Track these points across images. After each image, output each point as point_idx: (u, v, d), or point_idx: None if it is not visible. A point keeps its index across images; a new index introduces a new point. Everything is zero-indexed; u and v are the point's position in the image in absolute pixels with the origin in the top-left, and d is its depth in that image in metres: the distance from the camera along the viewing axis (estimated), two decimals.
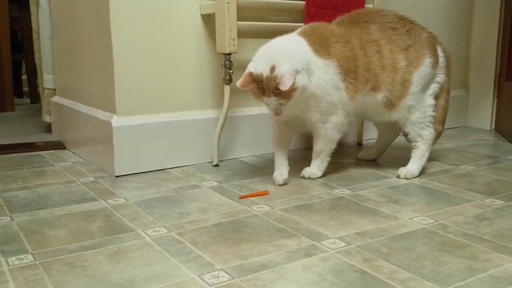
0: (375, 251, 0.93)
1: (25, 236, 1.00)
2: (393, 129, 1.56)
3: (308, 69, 1.23)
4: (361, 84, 1.32)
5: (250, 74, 1.21)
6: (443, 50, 1.45)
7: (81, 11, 1.64)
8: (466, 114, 2.32)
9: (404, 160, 1.47)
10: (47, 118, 2.10)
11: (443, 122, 1.52)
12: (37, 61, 2.14)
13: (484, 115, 2.26)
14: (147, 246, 0.95)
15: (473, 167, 1.53)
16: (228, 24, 1.41)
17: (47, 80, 2.06)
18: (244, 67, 1.25)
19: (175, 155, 1.54)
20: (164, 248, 0.94)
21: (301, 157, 1.65)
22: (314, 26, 1.34)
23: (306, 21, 1.55)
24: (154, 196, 1.26)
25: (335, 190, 1.31)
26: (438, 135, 1.50)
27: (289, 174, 1.37)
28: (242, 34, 1.47)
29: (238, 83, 1.23)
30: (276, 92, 1.19)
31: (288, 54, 1.22)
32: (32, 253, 0.92)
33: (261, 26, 1.51)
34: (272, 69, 1.19)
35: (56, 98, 2.01)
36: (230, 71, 1.49)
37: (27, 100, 3.30)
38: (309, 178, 1.41)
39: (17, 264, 0.88)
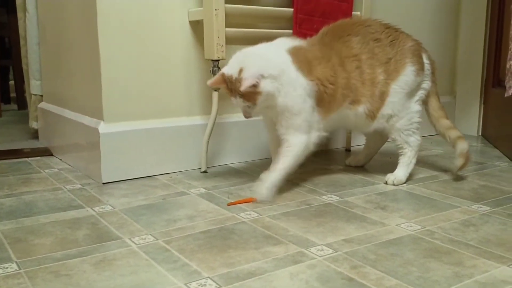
0: (362, 258, 0.93)
1: (10, 245, 0.99)
2: (381, 135, 1.57)
3: (279, 78, 1.23)
4: (337, 104, 1.33)
5: (222, 74, 1.25)
6: (429, 57, 1.47)
7: (69, 17, 1.64)
8: (453, 121, 2.32)
9: (392, 166, 1.47)
10: (34, 125, 2.09)
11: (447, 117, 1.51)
12: (24, 67, 2.12)
13: (471, 121, 2.28)
14: (134, 254, 0.94)
15: (460, 173, 1.54)
16: (217, 31, 1.42)
17: (34, 86, 2.04)
18: None
19: (163, 161, 1.54)
20: (150, 256, 0.94)
21: None
22: (299, 47, 1.32)
23: (294, 28, 1.56)
24: (142, 203, 1.26)
25: (323, 197, 1.31)
26: (460, 137, 1.46)
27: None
28: (230, 40, 1.47)
29: (209, 82, 1.27)
30: (241, 93, 1.21)
31: (259, 60, 1.24)
32: (16, 262, 0.91)
33: (250, 32, 1.51)
34: (240, 71, 1.21)
35: (43, 104, 1.99)
36: None
37: (14, 106, 3.28)
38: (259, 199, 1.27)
39: (1, 273, 0.86)
